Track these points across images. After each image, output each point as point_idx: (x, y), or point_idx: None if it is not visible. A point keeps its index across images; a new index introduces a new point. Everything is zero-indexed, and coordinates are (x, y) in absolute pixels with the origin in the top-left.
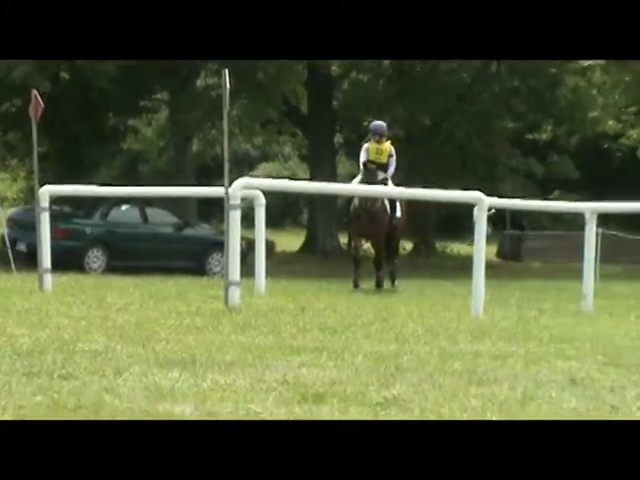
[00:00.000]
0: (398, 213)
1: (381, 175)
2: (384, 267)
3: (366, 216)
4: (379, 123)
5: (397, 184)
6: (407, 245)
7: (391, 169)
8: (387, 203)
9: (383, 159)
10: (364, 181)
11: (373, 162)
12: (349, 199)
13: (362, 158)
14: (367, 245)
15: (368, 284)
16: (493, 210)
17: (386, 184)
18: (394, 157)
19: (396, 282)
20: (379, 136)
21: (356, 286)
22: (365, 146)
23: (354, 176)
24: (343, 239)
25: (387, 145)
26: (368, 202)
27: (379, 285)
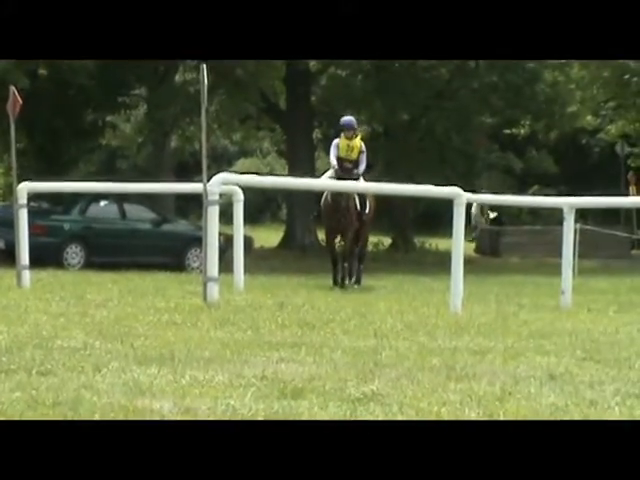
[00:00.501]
0: (367, 209)
1: (354, 173)
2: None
3: (338, 213)
4: (348, 118)
5: (372, 180)
6: (385, 240)
7: (362, 166)
8: (357, 200)
9: (354, 155)
10: (339, 178)
11: (344, 159)
12: (320, 194)
13: (332, 155)
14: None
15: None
16: (495, 214)
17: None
18: (365, 153)
19: (362, 282)
20: (349, 131)
21: (335, 283)
22: (335, 142)
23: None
24: (322, 235)
25: (357, 141)
26: (341, 199)
27: (357, 281)
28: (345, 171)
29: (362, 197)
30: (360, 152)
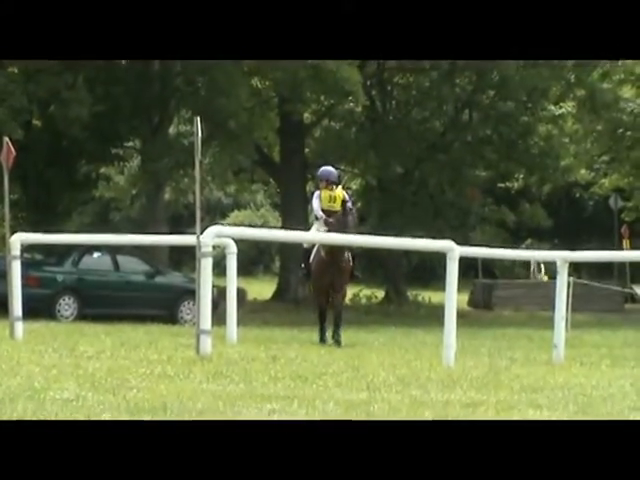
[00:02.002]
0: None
1: (344, 224)
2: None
3: (334, 268)
4: (326, 169)
5: (365, 233)
6: (378, 293)
7: (351, 219)
8: (349, 256)
9: (337, 206)
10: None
11: (327, 210)
12: (307, 249)
13: (316, 206)
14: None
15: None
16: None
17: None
18: (349, 202)
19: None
20: (326, 183)
21: (323, 341)
22: (316, 193)
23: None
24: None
25: (339, 191)
26: (338, 254)
27: (339, 341)
28: (330, 224)
29: (350, 250)
30: (343, 202)
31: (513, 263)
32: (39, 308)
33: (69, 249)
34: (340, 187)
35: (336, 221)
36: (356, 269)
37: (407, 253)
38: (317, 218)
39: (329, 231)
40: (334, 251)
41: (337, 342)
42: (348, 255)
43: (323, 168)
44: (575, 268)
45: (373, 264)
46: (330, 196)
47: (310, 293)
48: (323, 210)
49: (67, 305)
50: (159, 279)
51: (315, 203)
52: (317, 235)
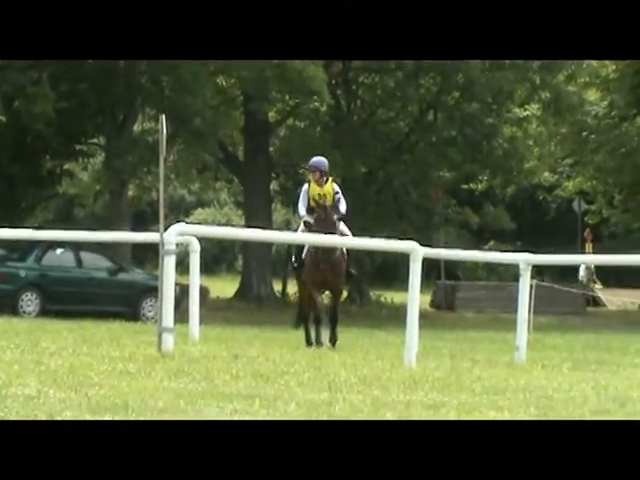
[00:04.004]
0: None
1: (331, 222)
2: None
3: (327, 265)
4: (317, 159)
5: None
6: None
7: (342, 208)
8: (344, 250)
9: (328, 202)
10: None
11: (317, 209)
12: (286, 247)
13: (301, 205)
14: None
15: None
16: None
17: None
18: (340, 194)
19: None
20: (319, 174)
21: (317, 343)
22: (304, 189)
23: (288, 222)
24: (277, 286)
25: (329, 185)
26: (328, 249)
27: (335, 341)
28: (319, 223)
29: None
30: (335, 193)
31: (476, 265)
32: (1, 304)
33: (32, 245)
34: (330, 180)
35: (316, 221)
36: (350, 266)
37: (370, 253)
38: (300, 217)
39: (310, 231)
40: (325, 246)
41: (333, 343)
42: (342, 250)
43: (314, 159)
44: (538, 271)
45: None
46: (320, 193)
47: (271, 291)
48: (312, 209)
49: (29, 301)
50: (122, 276)
51: (302, 200)
52: (281, 235)
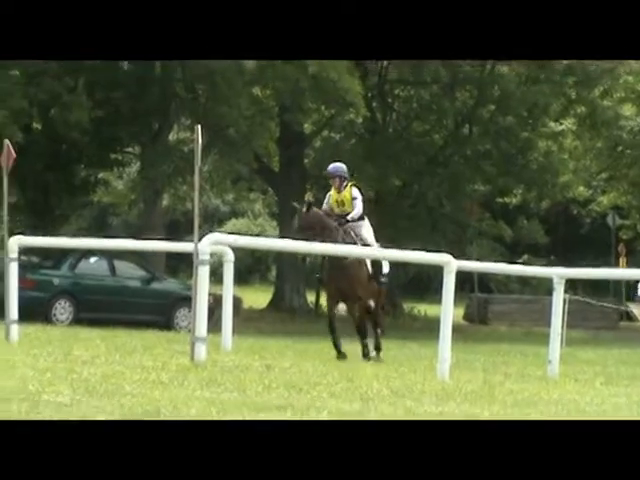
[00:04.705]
0: (385, 269)
1: (342, 229)
2: (369, 334)
3: (338, 273)
4: (335, 165)
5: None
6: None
7: (354, 212)
8: (367, 260)
9: (347, 208)
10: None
11: (337, 215)
12: (319, 258)
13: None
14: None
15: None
16: None
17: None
18: (359, 199)
19: (381, 354)
20: (338, 180)
21: (339, 354)
22: (327, 195)
23: None
24: (310, 297)
25: (347, 190)
26: (336, 257)
27: (365, 355)
28: (307, 231)
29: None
30: (353, 199)
31: (508, 278)
32: (35, 311)
33: (66, 253)
34: (349, 185)
35: (302, 229)
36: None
37: (404, 265)
38: None
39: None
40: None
41: (365, 356)
42: (360, 260)
43: (332, 165)
44: (571, 285)
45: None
46: (338, 199)
47: (304, 301)
48: (337, 215)
49: (63, 309)
50: (155, 285)
51: (324, 207)
52: (315, 245)
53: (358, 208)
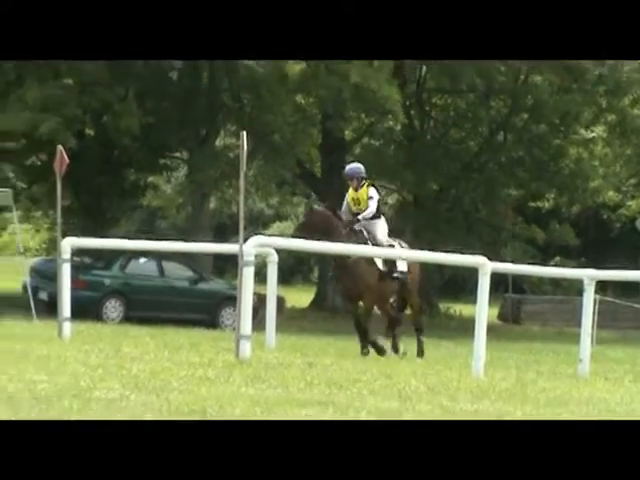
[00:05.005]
0: (401, 267)
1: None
2: (397, 329)
3: (342, 272)
4: (352, 166)
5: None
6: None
7: (367, 211)
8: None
9: (363, 207)
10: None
11: (355, 214)
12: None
13: (343, 211)
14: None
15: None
16: None
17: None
18: (374, 199)
19: (400, 353)
20: (356, 181)
21: (364, 349)
22: (346, 196)
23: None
24: None
25: (364, 190)
26: (340, 257)
27: (395, 350)
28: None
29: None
30: (368, 198)
31: (541, 280)
32: (87, 310)
33: (117, 254)
34: (366, 185)
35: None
36: (405, 276)
37: (440, 267)
38: None
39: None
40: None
41: (418, 354)
42: (367, 259)
43: (349, 166)
44: (602, 286)
45: None
46: (354, 198)
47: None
48: (353, 213)
49: (113, 308)
50: (202, 285)
51: (344, 207)
52: (356, 247)
53: (372, 207)
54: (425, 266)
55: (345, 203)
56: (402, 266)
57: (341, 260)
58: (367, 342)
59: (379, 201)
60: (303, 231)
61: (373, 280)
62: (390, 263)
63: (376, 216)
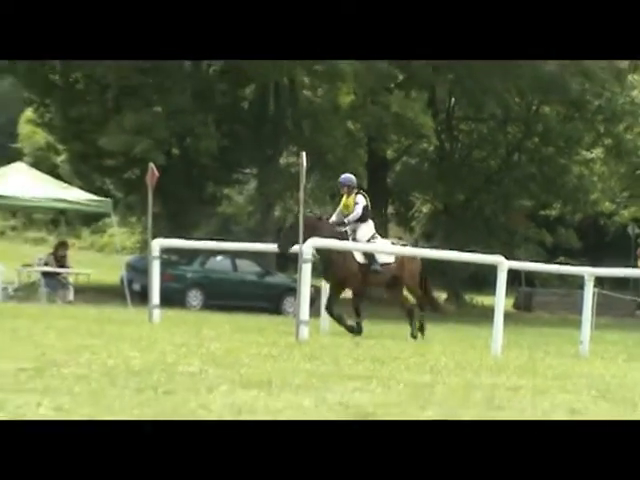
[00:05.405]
0: (382, 261)
1: (342, 229)
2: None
3: (325, 265)
4: (345, 176)
5: (431, 247)
6: (442, 296)
7: (351, 215)
8: (356, 253)
9: (351, 211)
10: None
11: (345, 216)
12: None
13: (333, 216)
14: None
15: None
16: None
17: (346, 234)
18: (359, 204)
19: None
20: (346, 188)
21: (352, 330)
22: (341, 202)
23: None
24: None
25: (352, 197)
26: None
27: (349, 330)
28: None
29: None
30: (355, 204)
31: (549, 275)
32: (172, 299)
33: (197, 253)
34: (355, 193)
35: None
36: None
37: (465, 265)
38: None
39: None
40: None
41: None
42: (346, 254)
43: (343, 176)
44: (599, 281)
45: (437, 273)
46: (345, 204)
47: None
48: (343, 216)
49: (195, 297)
50: (268, 279)
51: (336, 212)
52: (394, 248)
53: (357, 211)
54: (452, 263)
55: (338, 208)
56: (388, 258)
57: (325, 256)
58: (353, 320)
59: (365, 207)
60: (292, 234)
61: (352, 270)
62: (369, 257)
63: (362, 219)
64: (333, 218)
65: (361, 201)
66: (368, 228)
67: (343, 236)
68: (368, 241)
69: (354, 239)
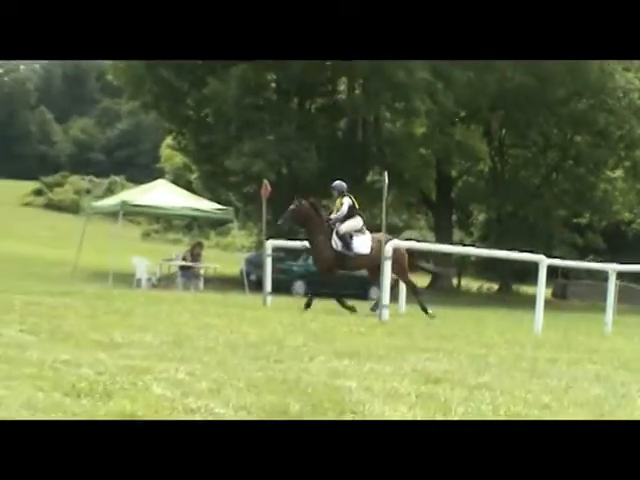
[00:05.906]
0: (357, 250)
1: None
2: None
3: (313, 250)
4: (335, 182)
5: (469, 245)
6: (495, 286)
7: (339, 213)
8: (336, 241)
9: (339, 212)
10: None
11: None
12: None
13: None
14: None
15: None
16: None
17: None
18: (345, 204)
19: (429, 311)
20: (337, 193)
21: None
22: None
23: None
24: (456, 281)
25: (340, 200)
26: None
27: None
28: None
29: (343, 239)
30: (341, 205)
31: (580, 270)
32: (281, 288)
33: (301, 250)
34: (343, 197)
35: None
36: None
37: (513, 262)
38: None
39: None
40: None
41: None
42: (325, 242)
43: (335, 182)
44: (620, 275)
45: (491, 267)
46: (337, 206)
47: (450, 285)
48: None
49: (299, 286)
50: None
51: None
52: (458, 248)
53: (341, 211)
54: (503, 260)
55: (334, 208)
56: (360, 249)
57: (314, 242)
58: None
59: (351, 206)
60: (292, 215)
61: (328, 255)
62: (344, 245)
63: (348, 216)
64: (332, 215)
65: (347, 202)
66: (355, 222)
67: (330, 226)
68: (351, 234)
69: (337, 230)
